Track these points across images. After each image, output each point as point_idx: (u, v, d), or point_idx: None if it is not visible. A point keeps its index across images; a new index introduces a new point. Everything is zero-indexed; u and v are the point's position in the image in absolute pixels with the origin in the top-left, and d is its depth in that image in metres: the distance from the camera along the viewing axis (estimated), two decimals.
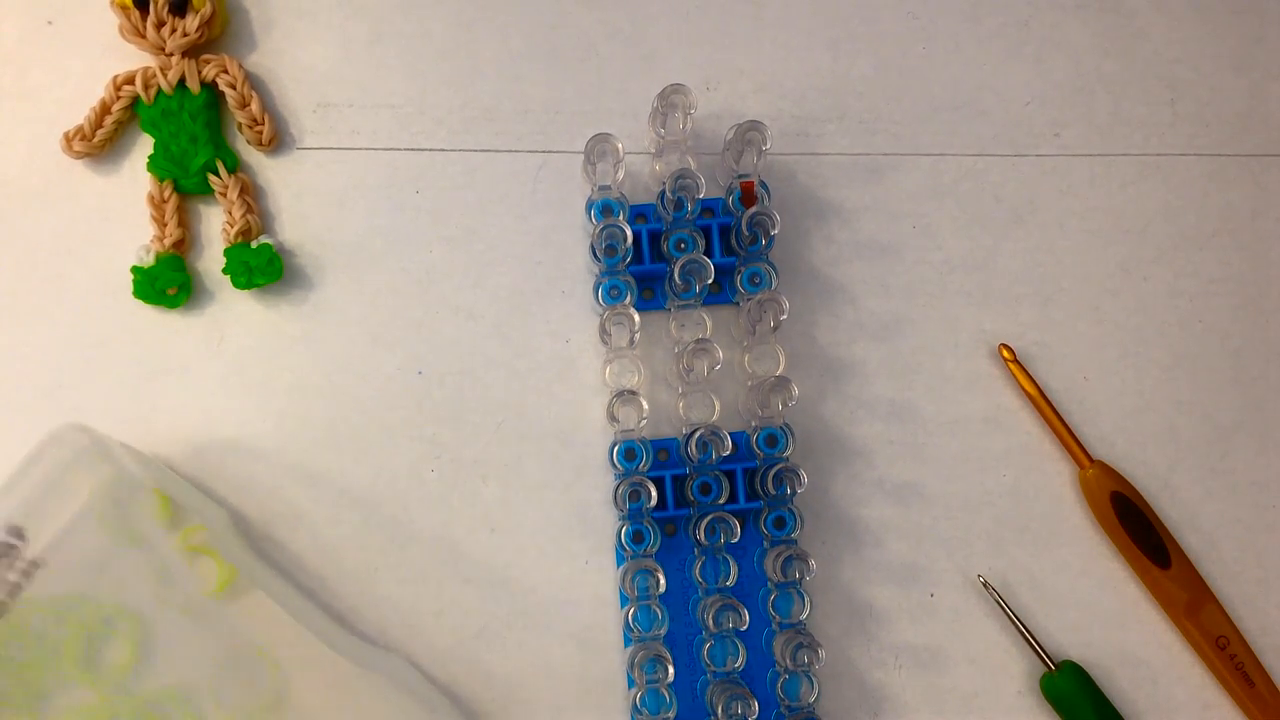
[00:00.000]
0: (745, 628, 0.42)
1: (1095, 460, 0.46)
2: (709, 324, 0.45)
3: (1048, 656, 0.45)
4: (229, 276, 0.45)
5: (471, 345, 0.46)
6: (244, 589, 0.44)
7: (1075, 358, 0.48)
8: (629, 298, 0.44)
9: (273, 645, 0.43)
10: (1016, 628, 0.45)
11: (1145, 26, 0.50)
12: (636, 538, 0.43)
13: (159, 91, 0.46)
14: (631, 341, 0.44)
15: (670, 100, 0.44)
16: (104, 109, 0.46)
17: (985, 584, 0.45)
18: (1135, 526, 0.45)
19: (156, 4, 0.45)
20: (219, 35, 0.47)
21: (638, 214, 0.46)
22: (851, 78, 0.49)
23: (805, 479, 0.43)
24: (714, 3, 0.49)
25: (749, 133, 0.44)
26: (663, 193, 0.45)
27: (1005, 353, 0.47)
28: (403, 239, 0.47)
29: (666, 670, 0.41)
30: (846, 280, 0.48)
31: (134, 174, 0.47)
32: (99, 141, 0.46)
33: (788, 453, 0.44)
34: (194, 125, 0.46)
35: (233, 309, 0.46)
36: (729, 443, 0.43)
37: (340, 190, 0.47)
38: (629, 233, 0.44)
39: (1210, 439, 0.47)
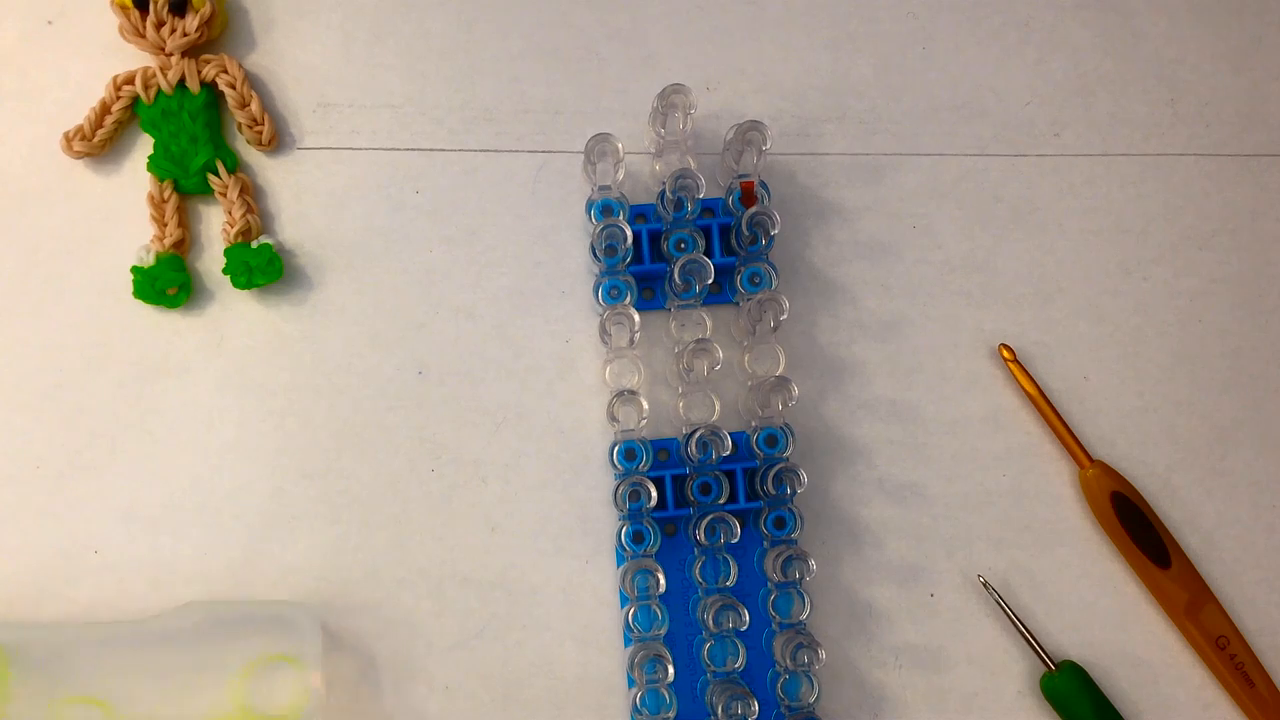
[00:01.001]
0: (745, 628, 0.42)
1: (1095, 460, 0.46)
2: (709, 324, 0.45)
3: (1048, 656, 0.44)
4: (229, 276, 0.45)
5: (471, 345, 0.46)
6: (28, 665, 0.42)
7: (1075, 358, 0.48)
8: (629, 298, 0.44)
9: (91, 689, 0.42)
10: (1016, 628, 0.45)
11: (1145, 26, 0.50)
12: (636, 538, 0.43)
13: (159, 91, 0.46)
14: (631, 341, 0.44)
15: (670, 100, 0.44)
16: (104, 109, 0.46)
17: (985, 584, 0.45)
18: (1135, 526, 0.45)
19: (156, 4, 0.45)
20: (219, 35, 0.47)
21: (638, 214, 0.46)
22: (851, 78, 0.49)
23: (805, 479, 0.43)
24: (714, 3, 0.49)
25: (749, 133, 0.44)
26: (663, 193, 0.45)
27: (1005, 353, 0.47)
28: (403, 239, 0.47)
29: (666, 670, 0.41)
30: (846, 280, 0.48)
31: (134, 174, 0.47)
32: (99, 141, 0.46)
33: (788, 453, 0.44)
34: (194, 125, 0.46)
35: (233, 309, 0.46)
36: (729, 443, 0.43)
37: (340, 190, 0.47)
38: (629, 233, 0.44)
39: (1210, 439, 0.47)
